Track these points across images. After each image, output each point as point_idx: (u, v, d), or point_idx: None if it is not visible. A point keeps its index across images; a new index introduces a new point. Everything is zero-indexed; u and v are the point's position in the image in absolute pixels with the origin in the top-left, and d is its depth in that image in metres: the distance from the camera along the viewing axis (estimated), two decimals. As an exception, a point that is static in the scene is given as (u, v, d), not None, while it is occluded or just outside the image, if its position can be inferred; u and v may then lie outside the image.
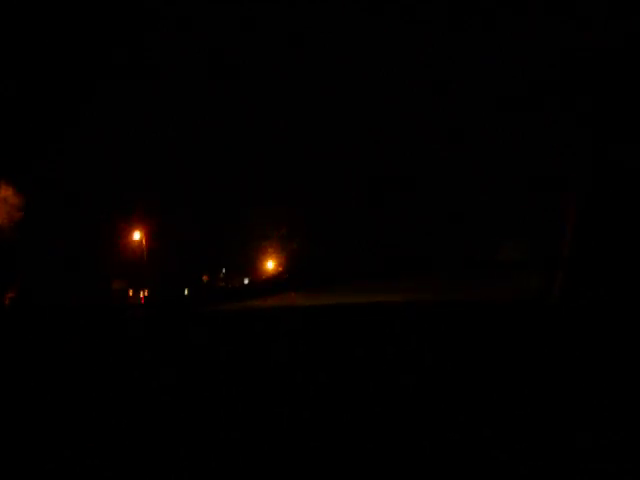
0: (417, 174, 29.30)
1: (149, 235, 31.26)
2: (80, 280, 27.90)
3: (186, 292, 33.95)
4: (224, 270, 45.56)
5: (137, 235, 31.51)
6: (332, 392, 3.84)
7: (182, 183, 33.75)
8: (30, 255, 25.28)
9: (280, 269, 49.78)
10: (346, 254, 32.00)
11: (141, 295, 31.76)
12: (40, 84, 27.25)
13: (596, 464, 2.45)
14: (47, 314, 19.63)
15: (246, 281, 47.05)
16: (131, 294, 32.02)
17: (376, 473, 2.60)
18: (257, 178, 37.07)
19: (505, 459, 2.61)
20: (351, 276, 27.32)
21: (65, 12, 27.36)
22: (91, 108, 30.05)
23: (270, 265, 49.06)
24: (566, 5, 13.64)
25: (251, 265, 46.87)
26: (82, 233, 28.01)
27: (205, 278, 40.66)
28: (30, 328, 15.14)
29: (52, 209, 26.80)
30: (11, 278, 25.15)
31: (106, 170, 29.99)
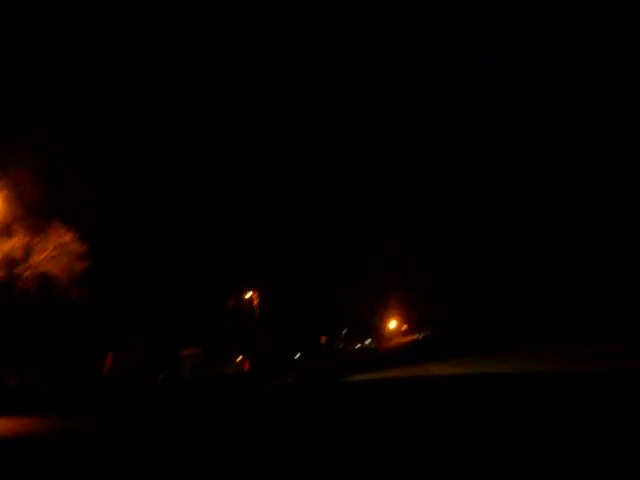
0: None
1: (260, 297, 28.00)
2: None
3: (297, 356, 29.52)
4: (344, 331, 40.54)
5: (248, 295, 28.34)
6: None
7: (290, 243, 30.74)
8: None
9: (404, 327, 44.27)
10: (496, 312, 26.54)
11: (238, 359, 27.69)
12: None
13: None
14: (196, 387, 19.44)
15: (368, 341, 41.82)
16: (238, 360, 28.15)
17: None
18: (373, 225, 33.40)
19: None
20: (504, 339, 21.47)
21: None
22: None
23: (393, 324, 43.87)
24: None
25: (374, 324, 41.79)
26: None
27: (323, 339, 35.98)
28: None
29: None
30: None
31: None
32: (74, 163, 22.84)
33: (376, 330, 43.63)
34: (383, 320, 44.67)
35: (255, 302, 28.55)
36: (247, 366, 25.41)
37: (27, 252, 18.00)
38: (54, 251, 18.33)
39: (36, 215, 17.88)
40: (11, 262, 17.73)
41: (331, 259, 32.55)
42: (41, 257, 18.09)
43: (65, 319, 19.79)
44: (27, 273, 17.97)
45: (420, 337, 36.54)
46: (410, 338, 38.53)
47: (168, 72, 34.05)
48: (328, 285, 33.40)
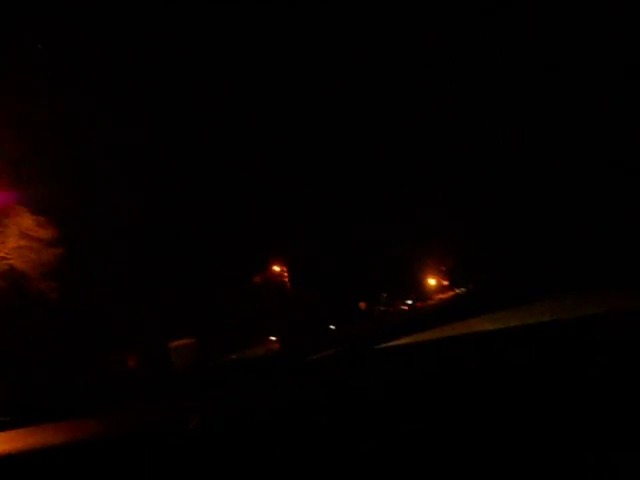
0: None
1: (290, 270, 26.98)
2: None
3: (332, 327, 28.69)
4: (385, 295, 39.51)
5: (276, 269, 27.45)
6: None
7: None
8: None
9: (446, 283, 43.10)
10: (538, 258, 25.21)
11: (271, 338, 26.33)
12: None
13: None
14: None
15: (410, 302, 40.78)
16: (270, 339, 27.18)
17: None
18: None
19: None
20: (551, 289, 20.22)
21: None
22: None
23: (433, 282, 42.71)
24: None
25: (413, 283, 40.76)
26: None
27: (363, 305, 35.07)
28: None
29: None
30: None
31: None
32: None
33: (417, 289, 42.61)
34: (423, 278, 43.54)
35: (285, 276, 27.77)
36: (278, 345, 24.64)
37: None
38: (17, 240, 15.91)
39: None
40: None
41: (360, 222, 31.40)
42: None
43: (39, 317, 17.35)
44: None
45: (461, 292, 35.43)
46: (452, 293, 37.48)
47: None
48: (360, 250, 32.33)
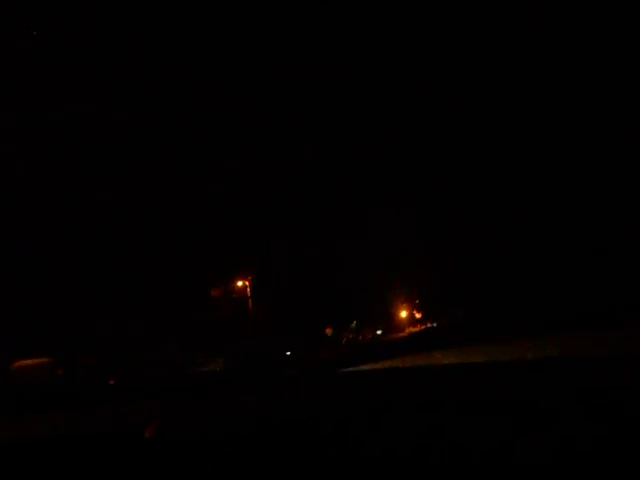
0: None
1: (253, 287, 25.36)
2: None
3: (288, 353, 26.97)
4: (355, 322, 37.99)
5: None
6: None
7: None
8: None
9: (418, 315, 42.01)
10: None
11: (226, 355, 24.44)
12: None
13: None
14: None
15: (379, 332, 39.49)
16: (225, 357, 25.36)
17: None
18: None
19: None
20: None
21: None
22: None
23: (404, 314, 41.66)
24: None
25: (384, 313, 39.64)
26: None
27: (329, 331, 33.45)
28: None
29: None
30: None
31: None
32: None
33: (387, 320, 41.28)
34: (395, 309, 42.32)
35: (248, 291, 26.12)
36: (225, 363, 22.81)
37: None
38: None
39: None
40: None
41: (333, 243, 30.11)
42: None
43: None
44: None
45: (434, 325, 34.30)
46: (423, 327, 36.32)
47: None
48: (331, 273, 31.00)
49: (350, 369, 17.70)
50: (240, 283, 26.62)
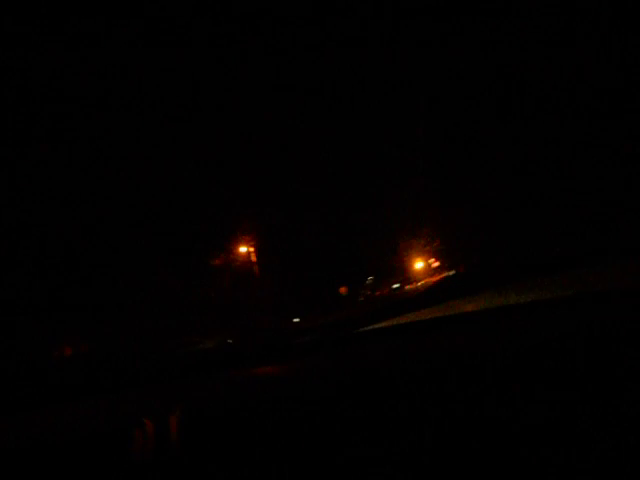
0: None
1: (258, 252, 24.46)
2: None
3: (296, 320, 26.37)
4: (371, 278, 36.91)
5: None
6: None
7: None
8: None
9: (435, 264, 41.71)
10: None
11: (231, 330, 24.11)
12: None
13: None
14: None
15: (395, 286, 38.74)
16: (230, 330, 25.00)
17: None
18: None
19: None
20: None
21: None
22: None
23: (420, 264, 41.33)
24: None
25: (400, 265, 38.79)
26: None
27: (343, 291, 32.83)
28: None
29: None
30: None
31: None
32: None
33: (403, 272, 40.34)
34: (410, 261, 41.39)
35: (253, 257, 25.19)
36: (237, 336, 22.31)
37: None
38: None
39: None
40: None
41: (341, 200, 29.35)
42: None
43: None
44: None
45: (453, 273, 33.99)
46: (442, 275, 36.00)
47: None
48: (343, 230, 30.34)
49: (368, 328, 17.25)
50: (244, 249, 25.99)
